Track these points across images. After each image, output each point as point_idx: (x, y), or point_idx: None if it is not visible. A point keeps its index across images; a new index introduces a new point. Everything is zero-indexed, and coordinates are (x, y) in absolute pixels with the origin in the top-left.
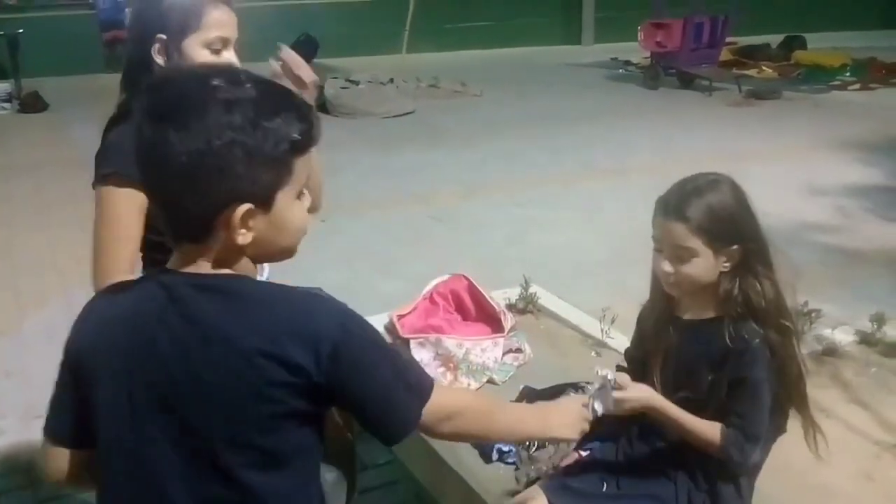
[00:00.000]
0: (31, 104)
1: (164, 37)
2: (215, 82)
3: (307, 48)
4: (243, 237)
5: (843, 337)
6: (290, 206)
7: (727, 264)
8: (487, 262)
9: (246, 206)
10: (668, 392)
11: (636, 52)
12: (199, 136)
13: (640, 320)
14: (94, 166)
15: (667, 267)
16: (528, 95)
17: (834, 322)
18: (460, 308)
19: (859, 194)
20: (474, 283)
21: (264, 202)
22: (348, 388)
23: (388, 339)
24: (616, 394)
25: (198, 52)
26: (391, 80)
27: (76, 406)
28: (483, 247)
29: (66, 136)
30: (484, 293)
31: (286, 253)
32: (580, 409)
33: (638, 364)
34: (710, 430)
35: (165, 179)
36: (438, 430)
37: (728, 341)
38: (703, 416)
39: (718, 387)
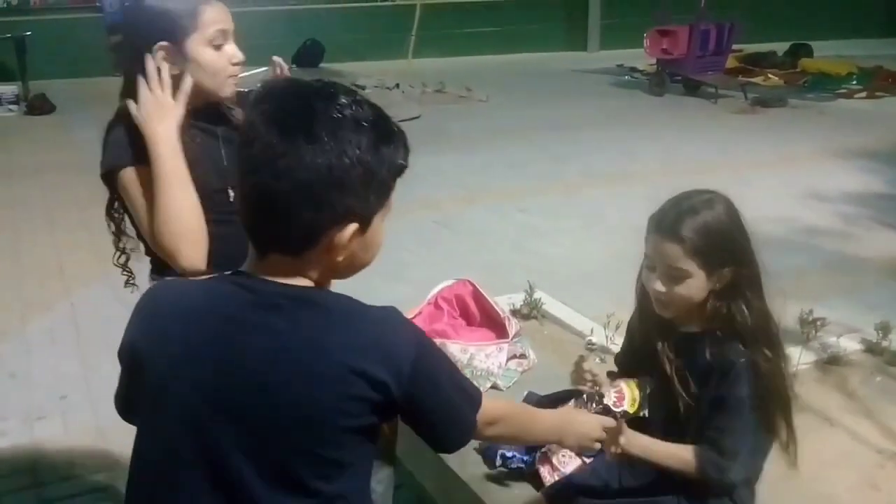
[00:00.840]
0: (38, 106)
1: (166, 44)
2: (343, 100)
3: (313, 53)
4: (341, 256)
5: (848, 345)
6: (379, 227)
7: (718, 285)
8: (492, 268)
9: (355, 226)
10: (657, 402)
11: (642, 58)
12: (330, 152)
13: (629, 330)
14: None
15: (659, 286)
16: (533, 101)
17: (839, 330)
18: (465, 313)
19: (865, 202)
20: (479, 288)
21: (366, 223)
22: (420, 403)
23: None
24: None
25: (202, 50)
26: (397, 86)
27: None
28: (487, 252)
29: (73, 139)
30: (488, 299)
31: (361, 269)
32: (598, 420)
33: (628, 372)
34: (682, 453)
35: (287, 189)
36: (483, 434)
37: (709, 357)
38: (687, 432)
39: (700, 403)
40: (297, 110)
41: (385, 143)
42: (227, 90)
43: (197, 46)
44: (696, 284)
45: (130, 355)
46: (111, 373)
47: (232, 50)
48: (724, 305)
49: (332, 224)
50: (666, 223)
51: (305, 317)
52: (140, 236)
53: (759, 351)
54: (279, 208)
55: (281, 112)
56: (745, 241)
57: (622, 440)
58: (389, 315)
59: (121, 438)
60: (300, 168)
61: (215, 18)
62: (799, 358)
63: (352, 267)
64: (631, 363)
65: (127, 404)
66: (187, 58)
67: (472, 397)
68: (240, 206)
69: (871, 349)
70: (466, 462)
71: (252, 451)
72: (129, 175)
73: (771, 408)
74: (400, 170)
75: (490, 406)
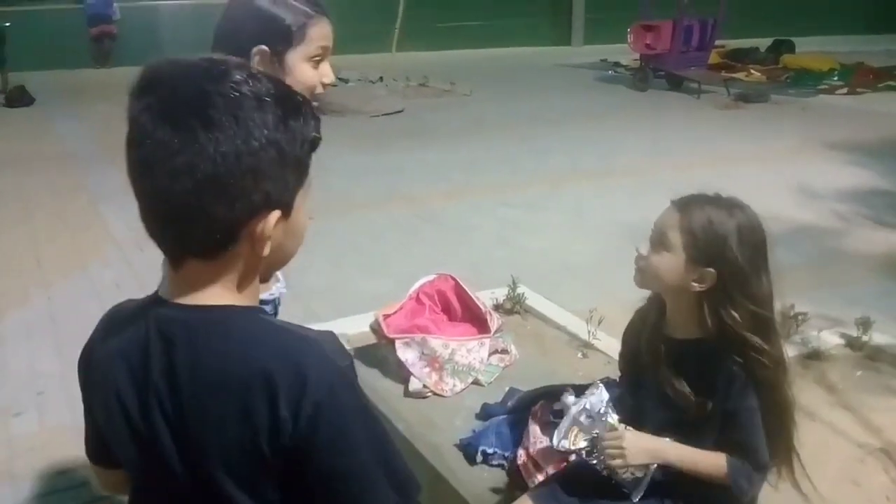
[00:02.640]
0: (17, 98)
1: (266, 49)
2: (237, 76)
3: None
4: (266, 248)
5: (828, 340)
6: (301, 208)
7: (696, 284)
8: (475, 263)
9: (278, 214)
10: (663, 409)
11: (626, 53)
12: (235, 136)
13: (627, 335)
14: None
15: (642, 249)
16: (517, 96)
17: (820, 325)
18: (446, 308)
19: (846, 198)
20: (461, 283)
21: (288, 208)
22: (319, 460)
23: (372, 339)
24: (626, 445)
25: (300, 64)
26: (381, 79)
27: (97, 429)
28: (471, 247)
29: (52, 131)
30: (470, 293)
31: (286, 261)
32: None
33: (631, 378)
34: (715, 462)
35: (191, 187)
36: None
37: (707, 365)
38: (699, 436)
39: (707, 410)
40: (186, 97)
41: (293, 117)
42: None
43: (297, 59)
44: (673, 263)
45: (83, 388)
46: None
47: (327, 69)
48: (711, 310)
49: (250, 216)
50: (685, 198)
51: (201, 343)
52: None
53: (754, 359)
54: (185, 210)
55: (169, 102)
56: (742, 257)
57: (662, 455)
58: (310, 343)
59: None
60: (203, 161)
61: (323, 36)
62: None
63: (278, 260)
64: (636, 371)
65: (93, 448)
66: (284, 68)
67: (404, 485)
68: (141, 214)
69: (852, 344)
70: (447, 459)
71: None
72: None
73: (773, 420)
74: (314, 143)
75: None
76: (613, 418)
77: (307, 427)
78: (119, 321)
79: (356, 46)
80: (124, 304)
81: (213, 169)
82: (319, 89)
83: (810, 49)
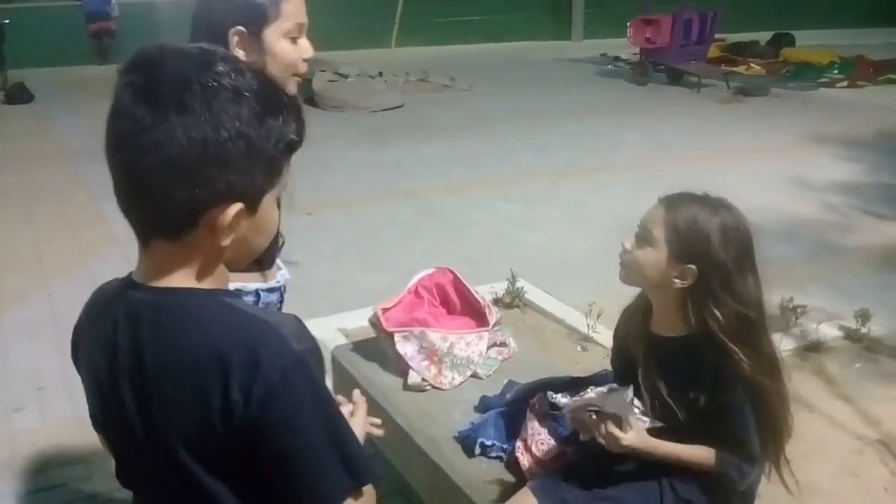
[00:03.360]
0: (17, 95)
1: (242, 29)
2: (220, 68)
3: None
4: (227, 239)
5: (827, 332)
6: (271, 208)
7: (678, 280)
8: (474, 258)
9: (238, 206)
10: (653, 405)
11: (626, 48)
12: (205, 123)
13: (617, 333)
14: None
15: (626, 243)
16: (516, 90)
17: (819, 317)
18: (445, 302)
19: (846, 191)
20: (459, 276)
21: (254, 203)
22: (271, 441)
23: (371, 333)
24: (615, 430)
25: (277, 41)
26: (380, 74)
27: None
28: (470, 242)
29: (52, 128)
30: (469, 287)
31: (253, 256)
32: None
33: (623, 376)
34: (703, 456)
35: (156, 166)
36: None
37: (693, 361)
38: (689, 431)
39: (698, 406)
40: (167, 80)
41: (272, 115)
42: (291, 86)
43: (274, 37)
44: (655, 258)
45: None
46: None
47: (305, 44)
48: (694, 307)
49: (211, 204)
50: (672, 195)
51: (165, 324)
52: None
53: (738, 355)
54: (149, 188)
55: (150, 82)
56: (725, 255)
57: (648, 446)
58: (266, 326)
59: None
60: (170, 143)
61: (296, 11)
62: (779, 345)
63: (243, 253)
64: (626, 367)
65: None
66: (262, 47)
67: (355, 467)
68: (113, 189)
69: (851, 336)
70: (445, 451)
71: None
72: None
73: (764, 416)
74: (292, 145)
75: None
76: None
77: (258, 409)
78: (99, 303)
79: (355, 42)
80: (106, 284)
81: (179, 152)
82: (301, 65)
83: (810, 42)
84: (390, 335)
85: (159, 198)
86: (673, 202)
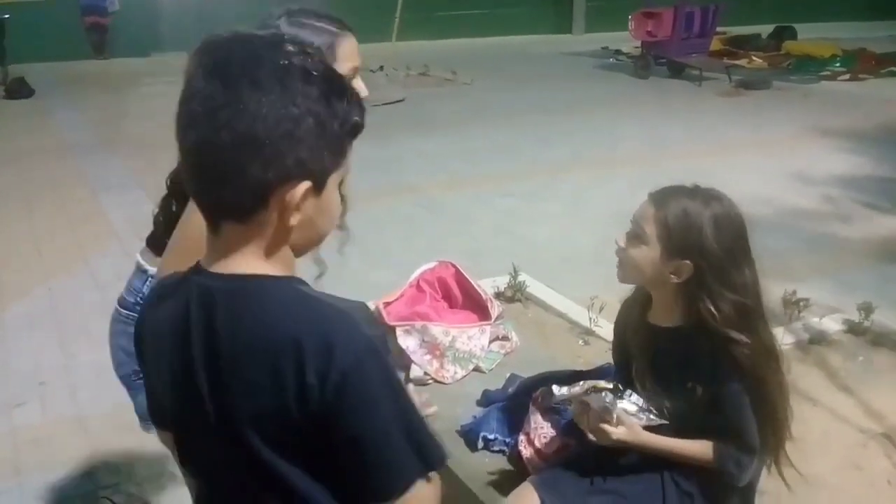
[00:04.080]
0: (17, 90)
1: None
2: (290, 48)
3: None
4: (295, 217)
5: (830, 325)
6: (334, 191)
7: (674, 276)
8: (476, 252)
9: (308, 184)
10: (652, 397)
11: (627, 41)
12: (277, 101)
13: (617, 326)
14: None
15: (620, 241)
16: (518, 84)
17: (822, 311)
18: (447, 295)
19: (848, 184)
20: (461, 270)
21: (321, 182)
22: (345, 426)
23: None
24: (604, 425)
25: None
26: (381, 68)
27: (154, 394)
28: (471, 236)
29: (52, 123)
30: (471, 281)
31: (319, 242)
32: None
33: (623, 369)
34: (700, 451)
35: (230, 141)
36: None
37: (692, 351)
38: (688, 422)
39: (696, 398)
40: (240, 58)
41: (337, 97)
42: None
43: None
44: (649, 256)
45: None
46: (90, 360)
47: (361, 86)
48: (690, 301)
49: (282, 181)
50: (662, 191)
51: (240, 311)
52: (156, 245)
53: (737, 345)
54: (223, 165)
55: (223, 62)
56: (719, 248)
57: (642, 440)
58: (340, 313)
59: (100, 425)
60: (244, 118)
61: (352, 54)
62: (782, 338)
63: (308, 236)
64: (625, 360)
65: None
66: None
67: (426, 452)
68: (183, 174)
69: (854, 329)
70: (447, 445)
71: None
72: None
73: (764, 408)
74: (355, 128)
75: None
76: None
77: (333, 394)
78: (165, 291)
79: (356, 36)
80: (168, 277)
81: (252, 126)
82: None
83: (812, 35)
84: (392, 329)
85: (232, 175)
86: (662, 198)
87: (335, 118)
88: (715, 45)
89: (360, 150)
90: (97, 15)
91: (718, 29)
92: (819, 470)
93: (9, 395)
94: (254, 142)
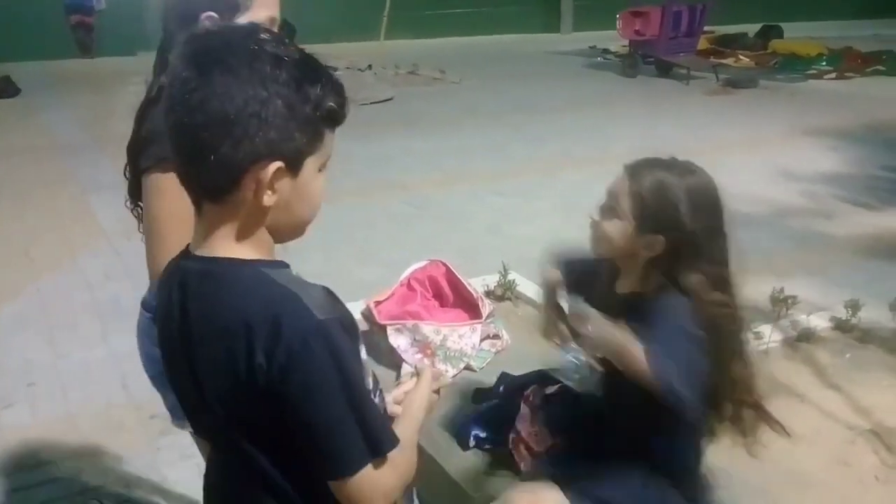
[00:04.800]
0: (3, 89)
1: (214, 15)
2: (263, 36)
3: (285, 34)
4: (269, 198)
5: (818, 323)
6: (314, 176)
7: (646, 251)
8: (466, 251)
9: (278, 163)
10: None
11: (615, 40)
12: (245, 83)
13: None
14: (133, 154)
15: (594, 213)
16: (507, 83)
17: (809, 308)
18: (438, 294)
19: (834, 182)
20: (452, 269)
21: (295, 164)
22: (293, 406)
23: (364, 326)
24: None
25: (265, 26)
26: (369, 67)
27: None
28: (462, 235)
29: (39, 122)
30: (461, 279)
31: (300, 228)
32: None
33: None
34: (639, 352)
35: (202, 122)
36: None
37: (647, 316)
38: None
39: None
40: (216, 47)
41: (310, 83)
42: None
43: None
44: (621, 230)
45: None
46: (80, 359)
47: None
48: (665, 275)
49: (252, 160)
50: (638, 163)
51: (205, 292)
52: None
53: (714, 306)
54: (197, 144)
55: (201, 50)
56: (694, 222)
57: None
58: (291, 295)
59: (90, 426)
60: (214, 100)
61: (269, 3)
62: (769, 335)
63: (288, 221)
64: None
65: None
66: None
67: (376, 437)
68: (173, 154)
69: (841, 326)
70: (439, 443)
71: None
72: (170, 179)
73: (721, 374)
74: (331, 113)
75: (403, 467)
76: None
77: (279, 374)
78: (164, 276)
79: (344, 34)
80: (173, 259)
81: (221, 108)
82: None
83: (799, 34)
84: (383, 328)
85: (206, 155)
86: (637, 170)
87: (306, 102)
88: (702, 44)
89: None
90: (82, 13)
91: (706, 28)
92: (807, 467)
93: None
94: (224, 122)
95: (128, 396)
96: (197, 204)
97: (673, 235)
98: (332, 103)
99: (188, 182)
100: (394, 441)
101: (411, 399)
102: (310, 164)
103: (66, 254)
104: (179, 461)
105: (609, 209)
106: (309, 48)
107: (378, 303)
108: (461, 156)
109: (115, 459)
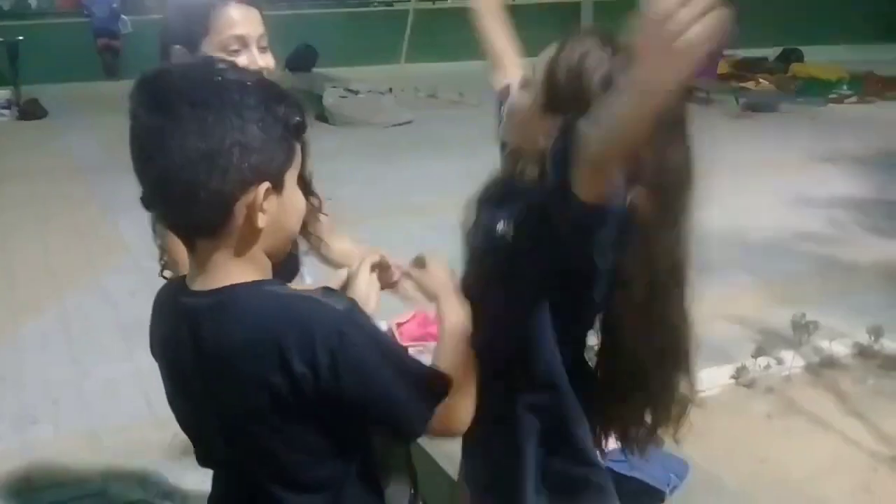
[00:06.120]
0: (31, 111)
1: (180, 48)
2: (221, 65)
3: (306, 58)
4: (262, 219)
5: (840, 349)
6: (293, 188)
7: (545, 138)
8: None
9: (266, 184)
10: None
11: None
12: (219, 115)
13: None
14: None
15: (520, 86)
16: None
17: (831, 334)
18: None
19: (855, 207)
20: None
21: (278, 182)
22: (350, 394)
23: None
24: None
25: (217, 56)
26: (390, 90)
27: None
28: None
29: (65, 144)
30: None
31: (290, 241)
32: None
33: None
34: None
35: (185, 163)
36: (453, 425)
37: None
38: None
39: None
40: (176, 86)
41: (276, 102)
42: None
43: (211, 52)
44: (525, 103)
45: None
46: (103, 376)
47: (247, 59)
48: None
49: (242, 188)
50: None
51: (220, 320)
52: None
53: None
54: (185, 186)
55: (160, 93)
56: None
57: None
58: (311, 305)
59: (113, 443)
60: (191, 139)
61: (231, 22)
62: (791, 361)
63: (279, 236)
64: None
65: None
66: None
67: (430, 390)
68: (150, 202)
69: (864, 353)
70: (438, 441)
71: (240, 459)
72: None
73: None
74: (298, 127)
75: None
76: None
77: (329, 374)
78: (158, 309)
79: (365, 58)
80: (162, 289)
81: (203, 144)
82: None
83: (819, 58)
84: (405, 349)
85: (195, 194)
86: (569, 38)
87: (278, 121)
88: (722, 67)
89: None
90: (109, 37)
91: (725, 52)
92: (829, 493)
93: (23, 412)
94: (207, 158)
95: (151, 414)
96: (189, 243)
97: (576, 118)
98: (297, 118)
99: (179, 226)
100: (445, 379)
101: (440, 332)
102: (289, 177)
103: (90, 271)
104: (202, 481)
105: (525, 79)
106: (330, 71)
107: (400, 324)
108: (480, 178)
109: (137, 478)
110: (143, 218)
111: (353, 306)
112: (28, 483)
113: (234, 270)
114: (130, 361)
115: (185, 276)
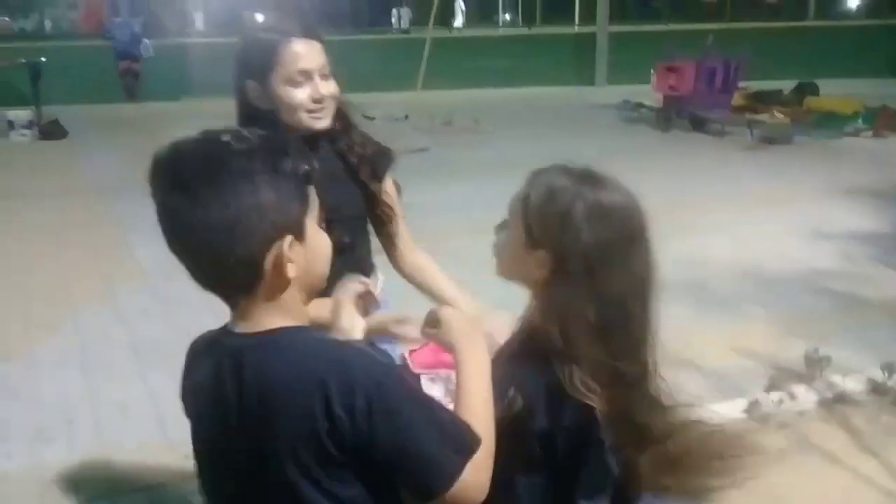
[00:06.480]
0: (52, 132)
1: (252, 82)
2: (224, 138)
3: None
4: (291, 269)
5: (853, 385)
6: (316, 232)
7: (536, 269)
8: (499, 300)
9: (289, 238)
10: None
11: (649, 94)
12: (231, 186)
13: None
14: None
15: (498, 227)
16: (540, 135)
17: (844, 369)
18: None
19: (870, 241)
20: None
21: (299, 231)
22: (383, 445)
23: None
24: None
25: (283, 89)
26: (406, 117)
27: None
28: (494, 285)
29: (85, 164)
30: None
31: (322, 281)
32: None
33: None
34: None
35: (211, 238)
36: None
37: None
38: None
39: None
40: (187, 166)
41: (280, 159)
42: (305, 125)
43: (277, 84)
44: (512, 242)
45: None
46: (117, 397)
47: (315, 87)
48: (557, 307)
49: (267, 246)
50: (541, 169)
51: (265, 360)
52: None
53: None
54: (213, 256)
55: (174, 175)
56: (588, 240)
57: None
58: (354, 353)
59: (126, 462)
60: (212, 213)
61: (296, 56)
62: (804, 396)
63: (310, 281)
64: None
65: None
66: (272, 96)
67: (462, 445)
68: (192, 275)
69: (877, 389)
70: None
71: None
72: None
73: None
74: (307, 175)
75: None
76: None
77: (364, 420)
78: (197, 355)
79: (382, 85)
80: (200, 337)
81: (222, 215)
82: (309, 105)
83: (834, 91)
84: (417, 377)
85: (225, 261)
86: (536, 173)
87: (286, 177)
88: (737, 100)
89: None
90: (130, 60)
91: (740, 84)
92: None
93: (37, 432)
94: (229, 227)
95: (163, 435)
96: (231, 301)
97: (560, 253)
98: (304, 166)
99: (219, 290)
100: (476, 438)
101: (460, 382)
102: (308, 223)
103: (106, 292)
104: None
105: (503, 220)
106: (348, 98)
107: (412, 352)
108: (494, 206)
109: (149, 499)
110: (159, 240)
111: (394, 363)
112: (42, 502)
113: (276, 316)
114: (143, 382)
115: (224, 325)
